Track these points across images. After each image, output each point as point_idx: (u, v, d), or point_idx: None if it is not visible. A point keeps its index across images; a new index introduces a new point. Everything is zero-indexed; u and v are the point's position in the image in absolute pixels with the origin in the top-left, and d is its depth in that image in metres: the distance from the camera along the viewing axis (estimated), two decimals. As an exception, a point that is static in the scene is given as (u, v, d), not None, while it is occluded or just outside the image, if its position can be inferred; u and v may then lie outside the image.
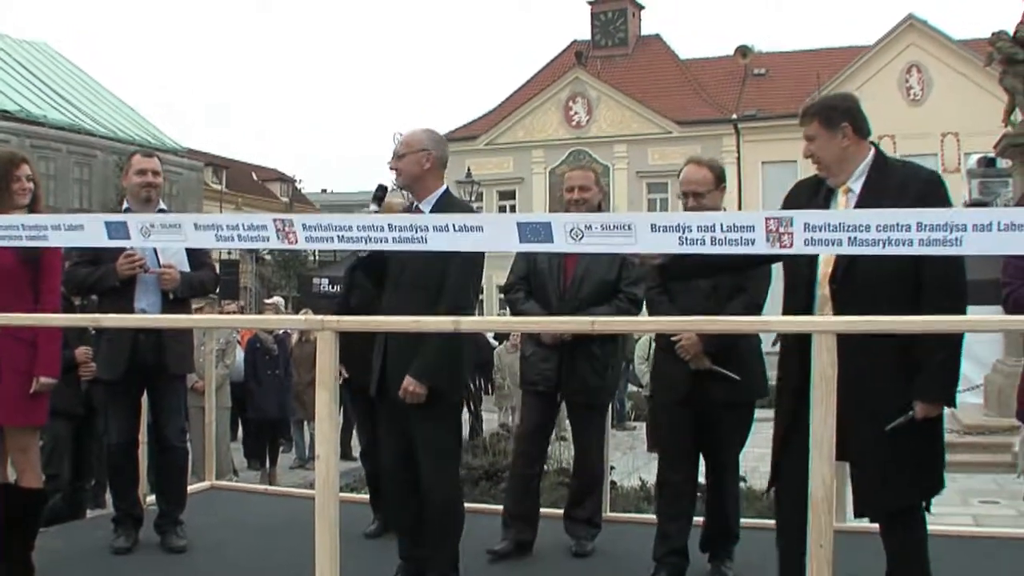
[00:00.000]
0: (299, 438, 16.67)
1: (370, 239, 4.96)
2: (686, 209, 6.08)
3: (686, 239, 4.45)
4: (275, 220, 5.14)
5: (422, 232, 4.87)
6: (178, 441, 7.18)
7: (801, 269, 4.86)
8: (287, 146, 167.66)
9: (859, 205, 4.73)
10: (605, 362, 6.82)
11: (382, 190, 6.11)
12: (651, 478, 9.08)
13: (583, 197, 6.80)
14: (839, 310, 4.66)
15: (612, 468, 8.87)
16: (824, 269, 4.80)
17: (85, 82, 52.81)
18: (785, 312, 4.84)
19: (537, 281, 6.80)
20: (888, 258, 4.33)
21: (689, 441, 6.18)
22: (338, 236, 5.01)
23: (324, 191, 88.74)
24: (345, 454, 14.18)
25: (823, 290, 4.80)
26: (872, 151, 4.89)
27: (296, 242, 5.08)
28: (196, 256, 7.07)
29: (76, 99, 49.93)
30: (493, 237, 4.79)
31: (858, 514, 4.90)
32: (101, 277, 6.76)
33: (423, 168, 5.98)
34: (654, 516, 6.42)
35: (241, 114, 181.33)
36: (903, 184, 4.73)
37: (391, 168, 6.14)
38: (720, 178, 6.23)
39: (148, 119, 54.57)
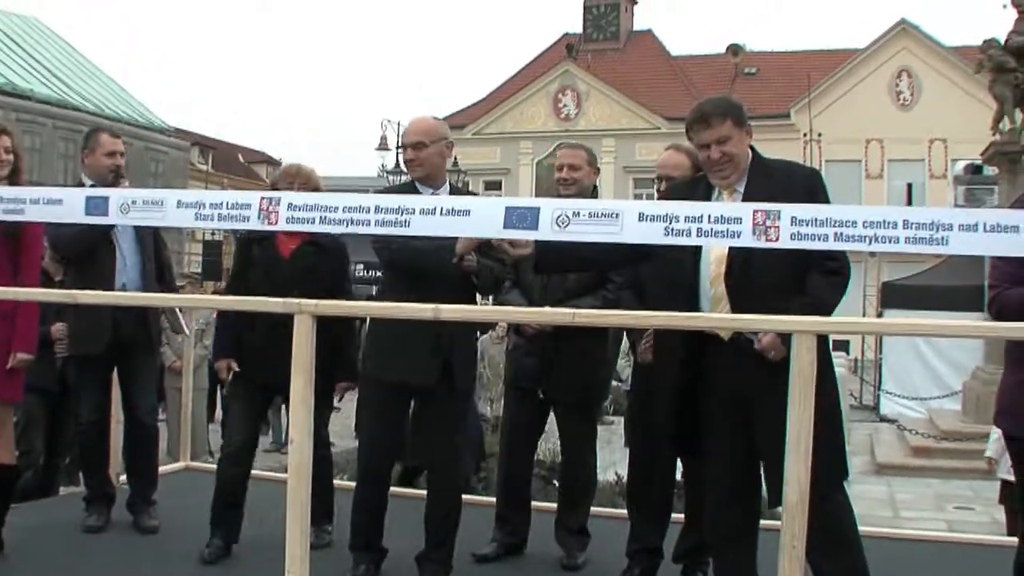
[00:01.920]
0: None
1: (352, 221, 4.96)
2: (659, 193, 6.00)
3: (672, 229, 4.47)
4: (262, 198, 5.12)
5: (407, 215, 4.86)
6: (149, 419, 7.13)
7: (683, 271, 4.90)
8: (273, 130, 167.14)
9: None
10: (593, 357, 6.46)
11: None
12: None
13: (572, 177, 6.43)
14: (736, 307, 4.72)
15: (590, 463, 8.88)
16: (717, 269, 4.84)
17: (74, 58, 52.58)
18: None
19: (520, 268, 6.25)
20: (781, 254, 4.44)
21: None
22: (320, 217, 4.98)
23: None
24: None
25: (716, 289, 4.84)
26: (751, 151, 4.98)
27: (276, 223, 5.05)
28: (159, 259, 7.15)
29: (64, 75, 49.71)
30: (479, 222, 4.80)
31: (775, 504, 4.89)
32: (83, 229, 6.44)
33: (444, 159, 6.05)
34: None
35: (228, 97, 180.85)
36: (788, 182, 4.80)
37: (407, 160, 5.99)
38: (699, 167, 5.82)
39: (136, 97, 54.36)
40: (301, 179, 6.44)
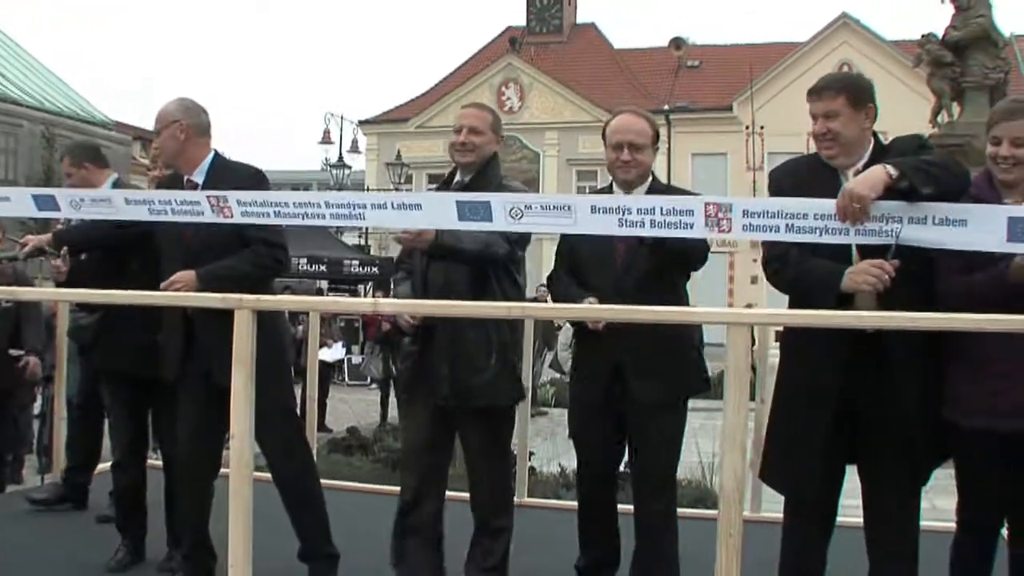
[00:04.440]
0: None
1: (307, 215, 5.04)
2: (616, 163, 5.26)
3: (626, 221, 4.51)
4: (208, 196, 5.16)
5: (360, 209, 4.97)
6: None
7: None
8: (216, 122, 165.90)
9: None
10: (485, 350, 5.39)
11: None
12: (570, 464, 9.11)
13: (472, 141, 5.47)
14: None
15: (532, 454, 8.88)
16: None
17: (13, 51, 51.97)
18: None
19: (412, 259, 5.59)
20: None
21: (613, 451, 5.48)
22: (275, 211, 5.06)
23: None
24: (320, 426, 14.04)
25: None
26: (872, 137, 4.75)
27: (231, 216, 5.10)
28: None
29: (3, 67, 49.15)
30: (432, 215, 4.84)
31: None
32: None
33: (180, 141, 5.58)
34: (573, 503, 6.23)
35: (167, 89, 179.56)
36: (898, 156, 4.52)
37: (463, 143, 5.43)
38: (657, 135, 5.41)
39: (78, 91, 53.80)
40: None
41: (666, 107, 48.45)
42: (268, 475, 5.59)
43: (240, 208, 5.10)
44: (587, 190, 47.86)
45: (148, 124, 5.82)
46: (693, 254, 5.17)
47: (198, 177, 5.57)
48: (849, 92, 4.62)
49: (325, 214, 5.01)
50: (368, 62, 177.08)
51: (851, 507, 4.82)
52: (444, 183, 5.63)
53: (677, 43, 53.09)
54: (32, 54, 53.41)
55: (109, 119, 53.22)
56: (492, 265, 5.34)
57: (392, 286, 5.76)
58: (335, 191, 5.98)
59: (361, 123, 51.01)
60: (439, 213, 4.81)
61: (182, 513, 5.73)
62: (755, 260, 34.19)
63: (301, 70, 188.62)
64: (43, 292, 6.39)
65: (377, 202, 4.95)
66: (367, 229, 37.96)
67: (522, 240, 5.38)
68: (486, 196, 4.84)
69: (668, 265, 5.18)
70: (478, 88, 51.63)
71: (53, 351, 8.27)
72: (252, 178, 5.54)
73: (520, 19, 56.06)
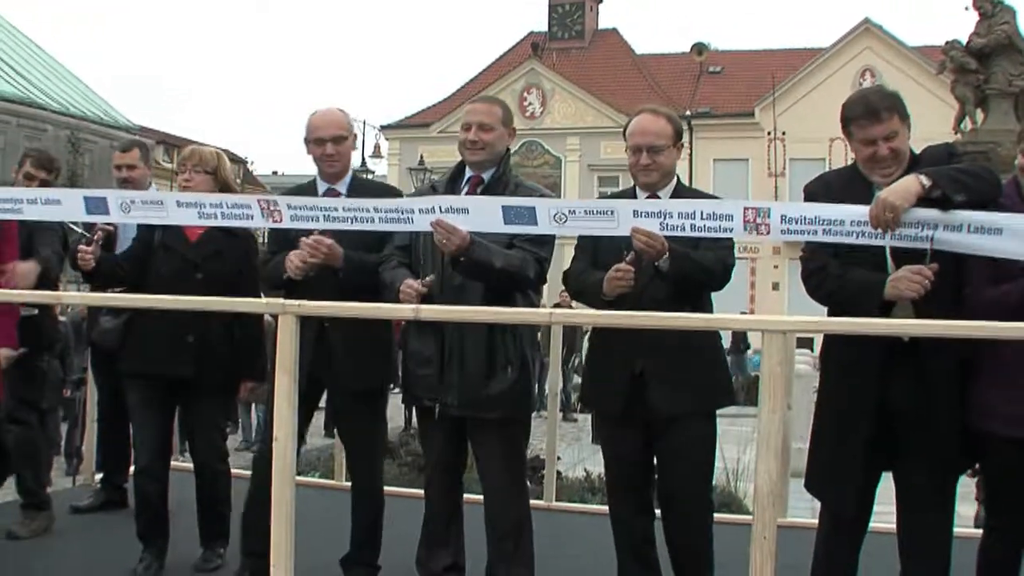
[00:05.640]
0: (246, 420, 16.50)
1: (356, 219, 5.11)
2: (637, 166, 5.05)
3: (667, 225, 4.58)
4: (259, 200, 5.24)
5: (408, 214, 5.03)
6: None
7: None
8: (238, 129, 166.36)
9: None
10: (510, 358, 5.17)
11: None
12: (595, 468, 9.18)
13: (482, 139, 5.29)
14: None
15: (559, 459, 8.93)
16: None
17: (38, 55, 52.15)
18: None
19: (416, 253, 5.33)
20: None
21: (639, 470, 5.18)
22: (324, 216, 5.15)
23: (275, 173, 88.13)
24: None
25: None
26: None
27: (281, 220, 5.19)
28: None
29: (28, 72, 49.28)
30: (478, 219, 4.89)
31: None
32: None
33: (353, 151, 5.87)
34: (598, 507, 6.27)
35: (195, 96, 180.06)
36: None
37: (328, 155, 5.58)
38: (679, 134, 5.11)
39: (101, 95, 53.96)
40: (194, 161, 5.97)
41: (688, 113, 48.40)
42: (308, 479, 5.64)
43: (290, 212, 5.18)
44: (608, 195, 47.76)
45: (149, 123, 5.93)
46: (711, 282, 5.00)
47: (342, 187, 5.68)
48: (899, 109, 4.55)
49: (374, 218, 5.08)
50: (391, 67, 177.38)
51: (879, 512, 4.85)
52: (451, 180, 5.49)
53: (699, 48, 52.99)
54: (56, 57, 53.57)
55: (133, 124, 53.42)
56: (521, 286, 5.19)
57: (382, 271, 5.36)
58: (383, 198, 5.93)
59: (383, 128, 51.00)
60: (485, 217, 4.87)
61: (249, 512, 5.69)
62: (776, 267, 33.93)
63: (324, 75, 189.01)
64: (84, 297, 6.41)
65: (425, 206, 4.98)
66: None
67: (550, 256, 5.23)
68: (531, 201, 4.92)
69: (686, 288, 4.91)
70: (500, 93, 51.45)
71: (83, 354, 8.31)
72: (388, 192, 5.77)
73: (542, 25, 56.07)
